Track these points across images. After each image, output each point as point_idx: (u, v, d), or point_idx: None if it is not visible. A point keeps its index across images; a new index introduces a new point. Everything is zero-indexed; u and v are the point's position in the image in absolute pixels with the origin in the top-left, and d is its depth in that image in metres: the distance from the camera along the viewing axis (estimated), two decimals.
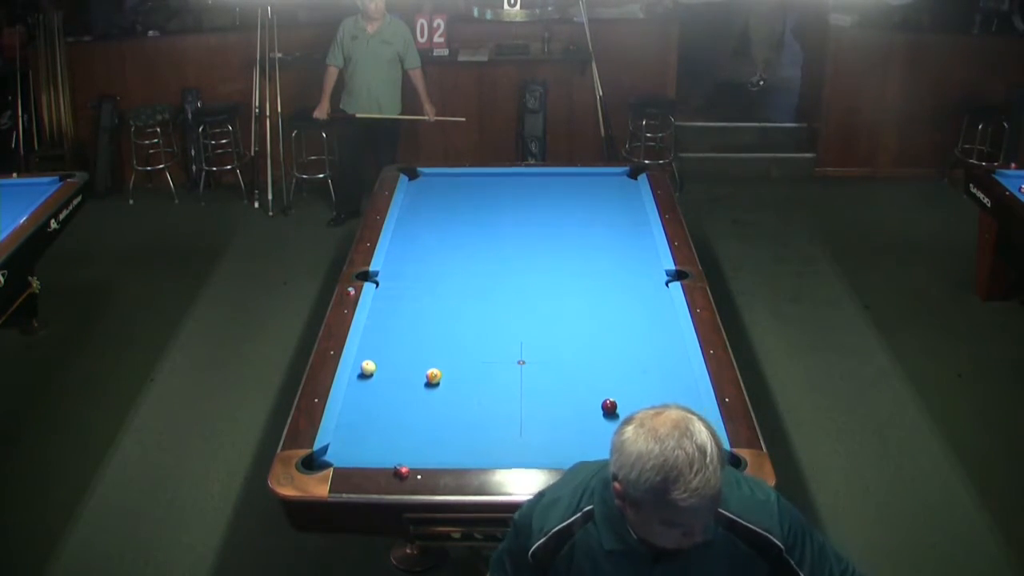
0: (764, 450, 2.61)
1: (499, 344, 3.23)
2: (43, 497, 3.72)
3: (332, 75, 6.19)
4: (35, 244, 4.41)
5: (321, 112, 6.26)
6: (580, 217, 4.40)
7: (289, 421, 2.77)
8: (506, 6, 7.14)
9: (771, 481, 2.48)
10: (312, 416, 2.78)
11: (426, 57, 6.64)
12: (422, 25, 6.74)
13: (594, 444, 2.68)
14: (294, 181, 6.83)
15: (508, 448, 2.68)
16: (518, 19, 7.17)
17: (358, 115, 6.16)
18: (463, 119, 6.60)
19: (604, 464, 1.74)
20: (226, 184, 7.09)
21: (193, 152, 7.04)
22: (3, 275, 4.03)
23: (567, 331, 3.34)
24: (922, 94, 7.02)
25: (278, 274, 5.70)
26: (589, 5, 6.84)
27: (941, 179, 7.13)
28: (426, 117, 6.34)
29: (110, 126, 6.91)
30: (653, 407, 1.69)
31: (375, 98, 6.15)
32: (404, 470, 2.50)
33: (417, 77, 6.23)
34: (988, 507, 3.59)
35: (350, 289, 3.58)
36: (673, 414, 1.65)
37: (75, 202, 4.81)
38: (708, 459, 1.59)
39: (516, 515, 1.90)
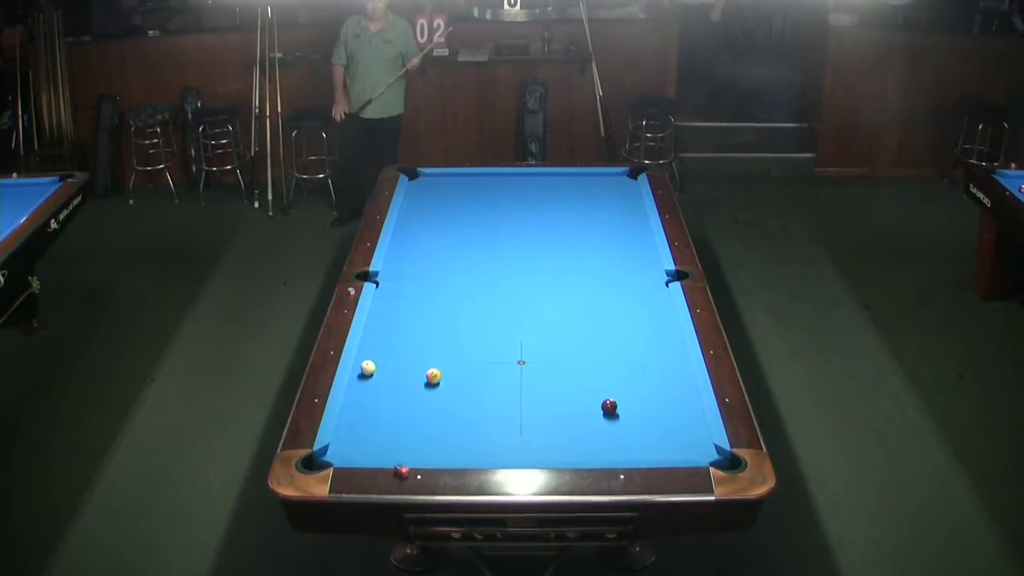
0: (764, 450, 2.61)
1: (499, 344, 3.23)
2: (43, 497, 3.72)
3: (339, 74, 6.19)
4: (35, 244, 4.41)
5: (338, 112, 6.24)
6: (580, 217, 4.40)
7: (289, 421, 2.77)
8: (506, 6, 7.14)
9: (771, 481, 2.48)
10: (312, 416, 2.78)
11: (426, 57, 6.63)
12: (422, 25, 6.74)
13: (594, 444, 2.70)
14: (294, 181, 6.83)
15: (508, 448, 2.67)
16: (518, 19, 7.19)
17: (362, 116, 6.16)
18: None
19: None
20: (226, 184, 7.09)
21: (193, 152, 7.04)
22: (3, 275, 4.03)
23: (567, 331, 3.34)
24: (922, 94, 7.03)
25: (278, 274, 5.70)
26: (589, 5, 6.84)
27: (941, 179, 7.14)
28: (404, 70, 6.17)
29: (110, 126, 6.91)
30: None
31: (377, 98, 6.14)
32: (404, 470, 2.50)
33: (414, 62, 6.18)
34: (988, 507, 3.59)
35: (350, 289, 3.58)
36: None
37: (75, 202, 4.81)
38: None
39: None
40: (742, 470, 2.50)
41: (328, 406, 2.83)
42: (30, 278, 4.71)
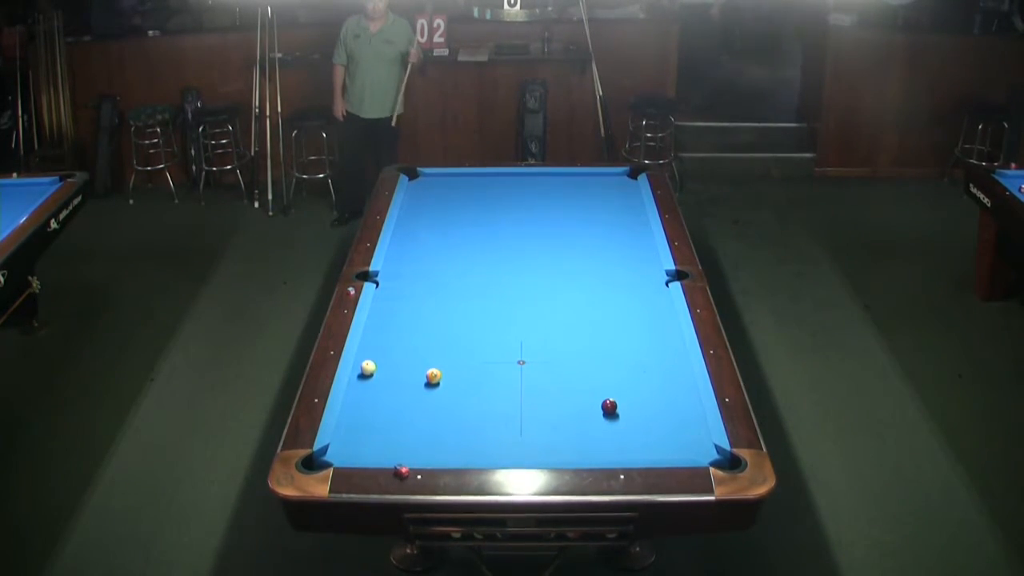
0: (764, 450, 2.61)
1: (499, 344, 3.23)
2: (43, 497, 3.72)
3: (339, 74, 6.20)
4: (35, 244, 4.40)
5: (338, 112, 6.27)
6: (580, 217, 4.40)
7: (289, 421, 2.77)
8: (506, 6, 7.14)
9: (771, 481, 2.48)
10: (312, 416, 2.78)
11: (426, 57, 6.64)
12: (422, 25, 6.74)
13: (594, 444, 2.70)
14: (294, 181, 6.83)
15: (508, 448, 2.68)
16: (518, 19, 7.19)
17: (362, 116, 6.17)
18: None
19: None
20: (226, 184, 7.09)
21: (193, 152, 7.04)
22: (3, 275, 4.03)
23: (567, 331, 3.34)
24: (922, 94, 7.03)
25: (278, 274, 5.70)
26: (589, 5, 6.84)
27: (941, 179, 7.14)
28: (412, 62, 6.17)
29: (110, 126, 6.91)
30: None
31: (376, 97, 6.15)
32: (404, 470, 2.50)
33: (413, 52, 6.16)
34: (988, 507, 3.59)
35: (350, 289, 3.58)
36: None
37: (75, 202, 4.81)
38: None
39: None
40: (742, 470, 2.50)
41: (328, 406, 2.83)
42: (30, 278, 4.72)
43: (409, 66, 6.17)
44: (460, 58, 6.88)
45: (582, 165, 5.71)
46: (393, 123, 6.22)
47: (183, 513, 3.62)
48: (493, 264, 3.91)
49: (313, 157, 6.83)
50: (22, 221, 4.39)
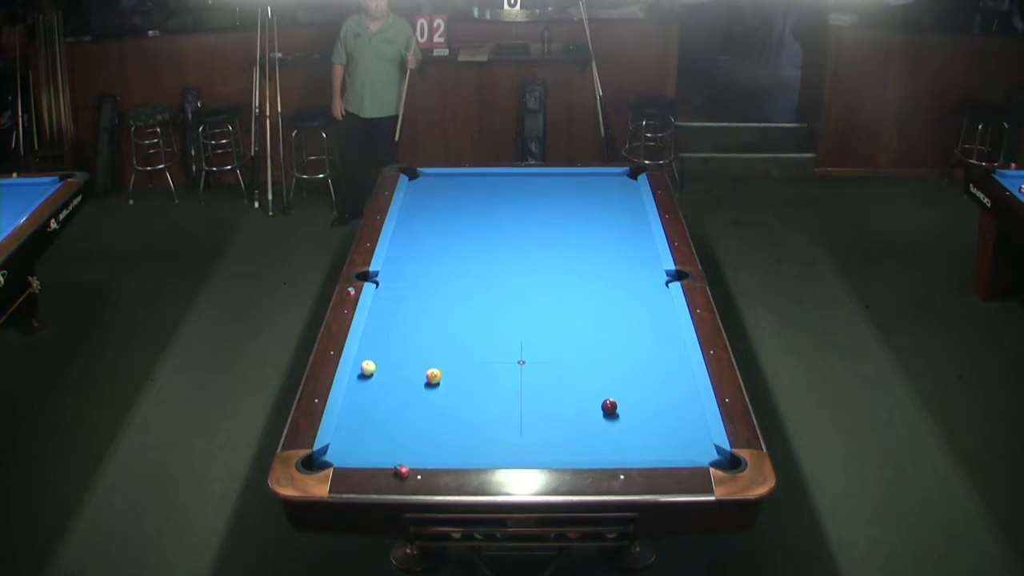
0: (764, 450, 2.61)
1: (499, 344, 3.23)
2: (43, 497, 3.72)
3: (339, 73, 6.21)
4: (35, 244, 4.40)
5: (337, 112, 6.27)
6: (580, 217, 4.40)
7: (289, 421, 2.77)
8: (506, 6, 7.14)
9: (771, 481, 2.48)
10: (312, 416, 2.78)
11: (426, 57, 6.64)
12: (422, 25, 6.75)
13: (594, 444, 2.70)
14: (294, 181, 6.83)
15: (508, 448, 2.68)
16: (518, 19, 7.18)
17: (362, 115, 6.17)
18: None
19: None
20: (226, 184, 7.09)
21: (193, 152, 7.04)
22: (3, 275, 4.03)
23: (567, 331, 3.34)
24: (922, 94, 7.04)
25: (278, 274, 5.70)
26: (589, 5, 6.84)
27: (941, 179, 7.14)
28: (412, 68, 6.17)
29: (110, 126, 6.91)
30: None
31: (376, 97, 6.15)
32: (404, 470, 2.50)
33: (411, 58, 6.14)
34: (988, 507, 3.59)
35: (350, 289, 3.58)
36: None
37: (75, 202, 4.80)
38: None
39: None
40: (742, 470, 2.51)
41: (328, 406, 2.83)
42: (30, 278, 4.72)
43: (408, 72, 6.16)
44: (460, 58, 6.88)
45: (582, 165, 5.71)
46: (396, 137, 6.22)
47: (183, 513, 3.62)
48: (493, 264, 3.91)
49: (313, 157, 6.83)
50: (22, 221, 4.39)
